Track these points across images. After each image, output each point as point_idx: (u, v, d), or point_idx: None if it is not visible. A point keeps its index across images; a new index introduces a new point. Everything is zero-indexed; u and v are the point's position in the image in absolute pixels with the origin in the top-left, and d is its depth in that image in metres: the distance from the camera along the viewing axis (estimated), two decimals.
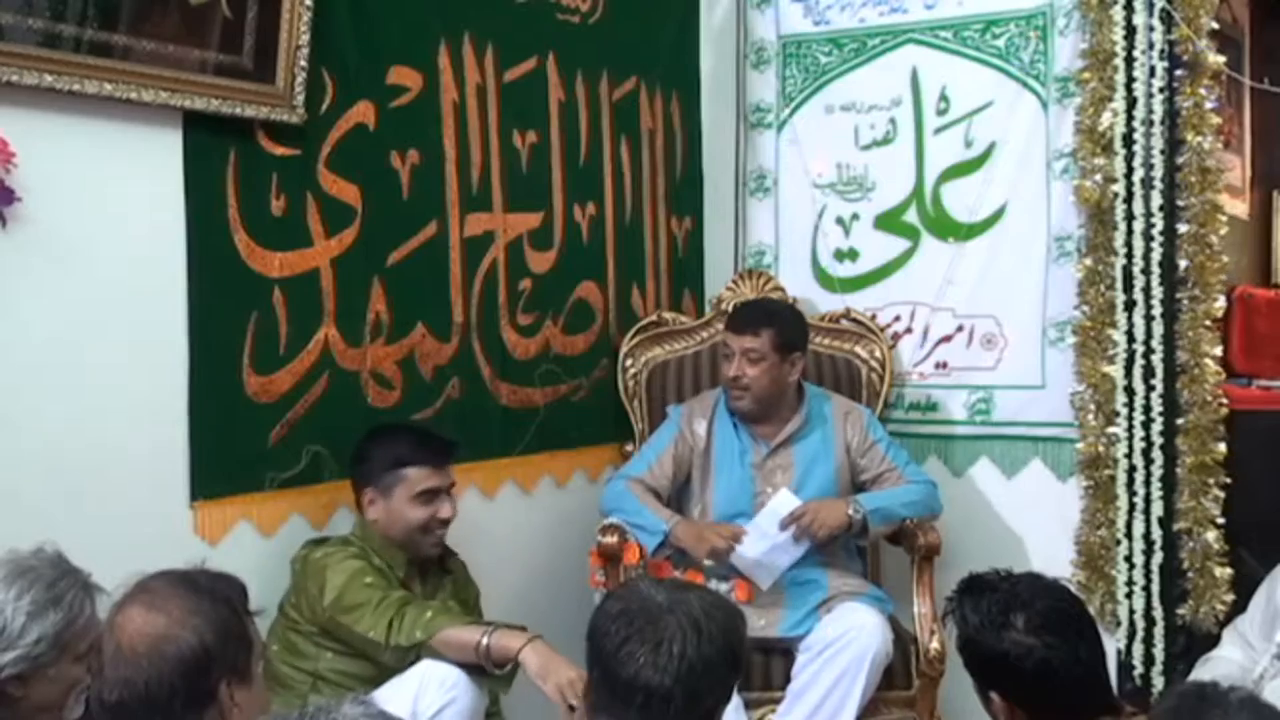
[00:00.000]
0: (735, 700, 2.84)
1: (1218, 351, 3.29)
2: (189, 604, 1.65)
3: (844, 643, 2.93)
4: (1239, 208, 4.36)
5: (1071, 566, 3.41)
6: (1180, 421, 3.29)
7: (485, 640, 2.41)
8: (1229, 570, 3.26)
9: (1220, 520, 3.28)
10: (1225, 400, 3.28)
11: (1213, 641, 2.79)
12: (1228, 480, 3.29)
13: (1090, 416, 3.40)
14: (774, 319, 3.23)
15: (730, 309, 3.46)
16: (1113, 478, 3.38)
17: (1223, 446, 3.27)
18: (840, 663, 2.92)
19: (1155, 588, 3.33)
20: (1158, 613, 3.34)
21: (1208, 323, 3.27)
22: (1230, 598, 3.23)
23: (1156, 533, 3.33)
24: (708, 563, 3.11)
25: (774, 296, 3.64)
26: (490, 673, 2.43)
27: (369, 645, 2.49)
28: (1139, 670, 3.35)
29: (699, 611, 1.71)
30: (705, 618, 1.71)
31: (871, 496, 3.16)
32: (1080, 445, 3.43)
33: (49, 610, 1.85)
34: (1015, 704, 1.95)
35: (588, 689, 1.78)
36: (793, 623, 3.06)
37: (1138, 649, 3.35)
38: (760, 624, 3.00)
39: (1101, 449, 3.38)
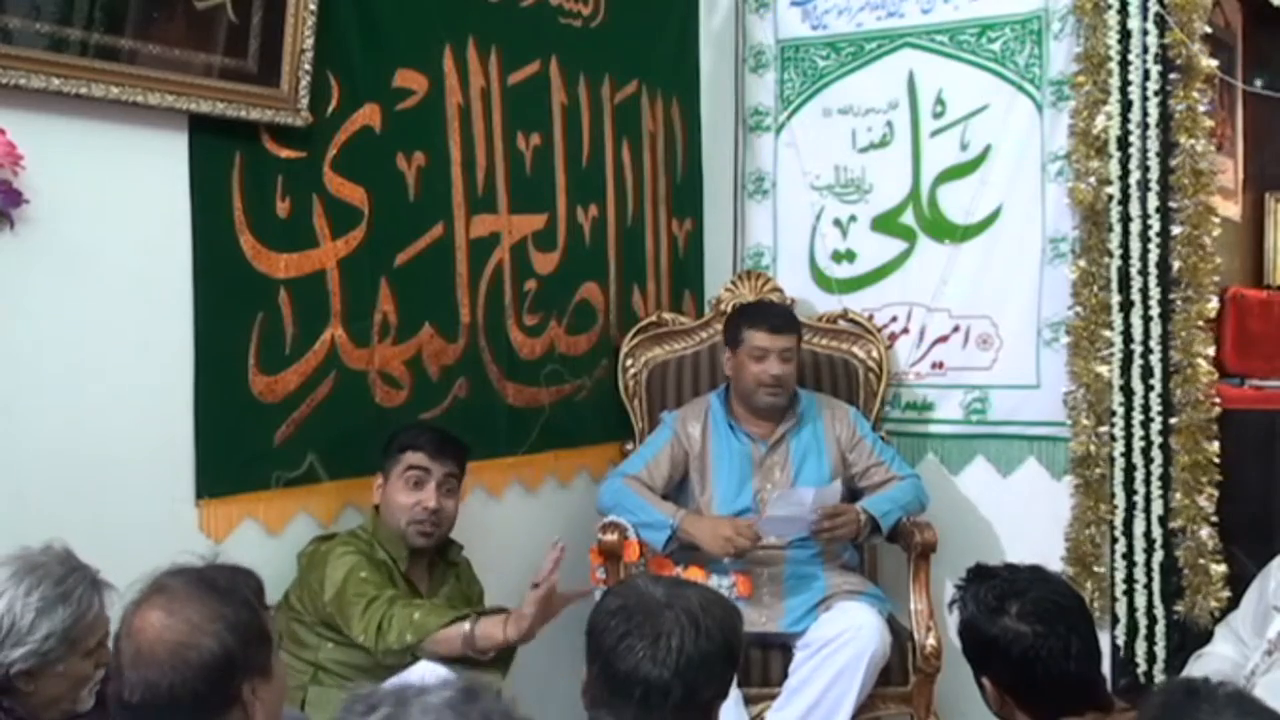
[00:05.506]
0: (735, 694, 2.87)
1: (1210, 351, 3.31)
2: (210, 609, 1.62)
3: (842, 641, 2.96)
4: (1232, 210, 4.37)
5: (1061, 563, 3.43)
6: (1174, 421, 3.32)
7: (470, 629, 2.45)
8: (1224, 567, 3.28)
9: (1214, 518, 3.30)
10: (1218, 400, 3.31)
11: (1210, 638, 2.81)
12: (1221, 478, 3.31)
13: (1082, 416, 3.42)
14: (797, 320, 3.39)
15: (751, 309, 3.43)
16: (1104, 476, 3.40)
17: (1216, 445, 3.29)
18: (838, 661, 2.95)
19: (1156, 585, 3.36)
20: (1159, 610, 3.36)
21: (1200, 323, 3.30)
22: (1226, 594, 3.25)
23: (1157, 531, 3.35)
24: (719, 557, 3.14)
25: (773, 298, 3.68)
26: (480, 662, 2.44)
27: (363, 646, 2.52)
28: (1141, 667, 3.37)
29: (697, 607, 1.74)
30: (703, 613, 1.73)
31: (875, 503, 3.20)
32: (1072, 444, 3.45)
33: (58, 606, 1.87)
34: (1004, 690, 1.98)
35: (587, 684, 1.80)
36: (792, 619, 3.09)
37: (1140, 646, 3.37)
38: (760, 619, 3.04)
39: (1093, 448, 3.41)
